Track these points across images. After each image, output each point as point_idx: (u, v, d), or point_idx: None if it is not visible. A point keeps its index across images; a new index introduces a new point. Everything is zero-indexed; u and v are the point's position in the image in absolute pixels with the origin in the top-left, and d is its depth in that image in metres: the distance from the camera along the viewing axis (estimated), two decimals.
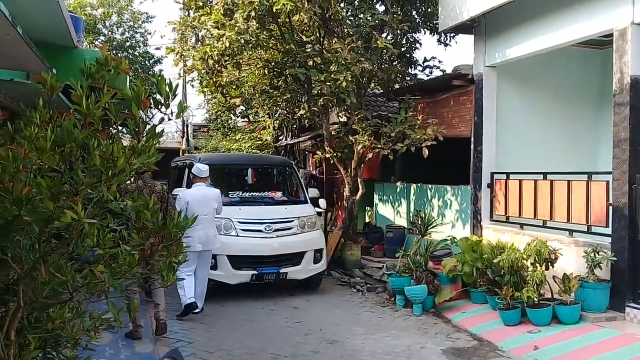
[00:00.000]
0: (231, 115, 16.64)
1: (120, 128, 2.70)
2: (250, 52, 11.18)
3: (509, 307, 6.43)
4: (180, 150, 23.18)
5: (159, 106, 2.29)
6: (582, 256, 6.55)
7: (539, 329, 6.13)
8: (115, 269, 2.35)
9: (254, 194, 9.07)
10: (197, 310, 7.09)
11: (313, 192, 9.93)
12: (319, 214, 9.65)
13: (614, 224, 6.52)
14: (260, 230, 8.08)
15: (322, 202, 9.70)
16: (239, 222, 8.07)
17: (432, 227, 8.57)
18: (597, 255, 6.33)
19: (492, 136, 9.00)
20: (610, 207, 6.61)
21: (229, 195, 8.67)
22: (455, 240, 8.01)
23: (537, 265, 6.49)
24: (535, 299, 6.25)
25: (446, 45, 11.50)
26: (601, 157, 8.96)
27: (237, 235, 8.04)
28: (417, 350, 5.92)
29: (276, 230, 8.17)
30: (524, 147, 9.01)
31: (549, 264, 6.48)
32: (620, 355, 5.27)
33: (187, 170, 8.65)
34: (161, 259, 2.50)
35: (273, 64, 11.63)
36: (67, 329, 2.38)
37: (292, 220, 8.39)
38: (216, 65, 11.39)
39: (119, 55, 20.11)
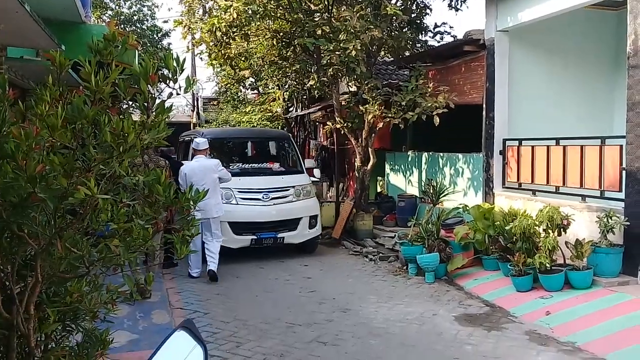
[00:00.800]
0: (241, 87, 16.59)
1: (130, 104, 2.71)
2: (258, 23, 11.08)
3: (521, 274, 6.46)
4: (191, 124, 23.24)
5: (167, 81, 2.30)
6: (594, 221, 6.53)
7: (551, 295, 6.17)
8: (130, 242, 2.39)
9: (253, 165, 9.73)
10: (211, 269, 7.63)
11: (309, 162, 10.82)
12: (315, 182, 10.31)
13: (627, 188, 6.47)
14: (258, 199, 8.72)
15: (317, 172, 10.67)
16: (239, 191, 8.64)
17: (444, 196, 8.57)
18: (610, 220, 6.30)
19: (505, 102, 8.90)
20: (624, 172, 6.55)
21: (230, 167, 9.04)
22: (467, 208, 8.02)
23: (550, 231, 6.49)
24: (548, 265, 6.27)
25: (457, 10, 11.32)
26: (616, 121, 8.85)
27: (237, 204, 8.64)
28: (429, 317, 5.99)
29: (273, 198, 8.82)
30: (537, 113, 8.90)
31: (562, 229, 6.48)
32: (633, 319, 5.28)
33: (184, 144, 9.78)
34: (175, 233, 2.54)
35: (281, 34, 11.52)
36: (85, 302, 2.44)
37: (288, 189, 9.00)
38: (224, 37, 11.32)
39: (127, 29, 20.03)
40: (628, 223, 6.26)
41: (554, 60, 9.19)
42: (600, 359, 4.74)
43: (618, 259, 6.30)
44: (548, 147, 7.83)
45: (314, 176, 10.19)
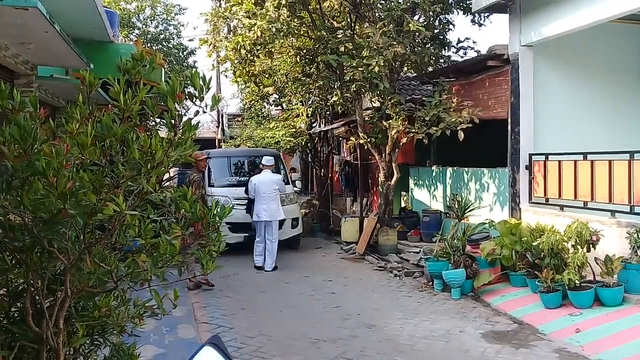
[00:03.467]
0: (264, 103, 16.75)
1: (157, 121, 2.77)
2: (282, 41, 11.22)
3: (550, 290, 6.34)
4: (216, 140, 23.51)
5: (194, 99, 2.34)
6: (624, 237, 6.38)
7: (580, 312, 6.03)
8: (157, 258, 2.42)
9: (248, 177, 10.95)
10: (268, 269, 9.33)
11: (296, 175, 13.79)
12: (296, 191, 12.63)
13: None
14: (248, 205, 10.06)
15: (298, 183, 13.85)
16: (235, 198, 10.11)
17: (470, 211, 8.47)
18: None
19: (530, 117, 8.81)
20: None
21: (228, 179, 11.59)
22: (494, 224, 7.93)
23: (578, 247, 6.37)
24: (577, 282, 6.14)
25: (480, 25, 11.29)
26: None
27: (234, 208, 9.19)
28: (456, 334, 5.91)
29: None
30: (563, 128, 8.78)
31: (591, 245, 6.35)
32: None
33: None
34: (200, 248, 2.56)
35: (305, 51, 11.63)
36: (113, 316, 2.47)
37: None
38: (248, 55, 11.49)
39: (154, 47, 20.44)
40: None
41: (580, 74, 9.08)
42: None
43: None
44: (575, 161, 7.70)
45: (296, 186, 12.46)
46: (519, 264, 7.28)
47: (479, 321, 6.34)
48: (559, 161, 8.04)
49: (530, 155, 8.66)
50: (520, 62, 8.81)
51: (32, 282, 2.35)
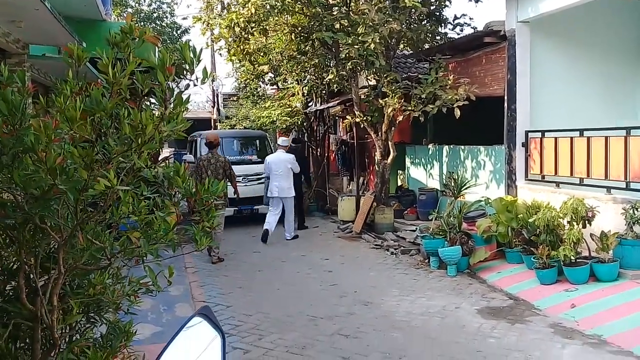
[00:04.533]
0: (260, 82, 16.62)
1: (149, 100, 2.73)
2: (277, 18, 11.06)
3: (546, 266, 6.36)
4: (212, 120, 23.38)
5: (184, 72, 2.30)
6: (620, 213, 6.39)
7: (576, 287, 6.07)
8: (151, 235, 2.40)
9: (237, 157, 12.51)
10: (288, 238, 10.25)
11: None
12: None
13: None
14: (239, 182, 10.51)
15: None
16: None
17: (466, 189, 8.49)
18: (636, 212, 6.16)
19: (526, 94, 8.76)
20: None
21: None
22: (490, 201, 7.92)
23: (574, 223, 6.38)
24: (572, 258, 6.16)
25: (477, 1, 11.14)
26: None
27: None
28: (452, 310, 5.95)
29: (250, 181, 11.76)
30: (559, 104, 8.74)
31: (586, 222, 6.36)
32: None
33: (195, 142, 12.67)
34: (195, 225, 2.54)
35: (300, 29, 11.49)
36: (108, 293, 2.46)
37: (262, 175, 11.23)
38: (243, 33, 11.33)
39: (147, 26, 20.20)
40: None
41: (576, 50, 9.01)
42: (627, 351, 4.63)
43: None
44: (572, 138, 7.69)
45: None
46: (514, 240, 7.30)
47: (475, 297, 6.37)
48: (555, 138, 8.02)
49: (527, 132, 8.63)
50: (516, 39, 8.73)
51: (25, 260, 2.33)
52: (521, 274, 6.89)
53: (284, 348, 5.00)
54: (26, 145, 1.99)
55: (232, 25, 10.84)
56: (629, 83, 9.19)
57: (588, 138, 7.41)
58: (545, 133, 8.29)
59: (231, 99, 23.68)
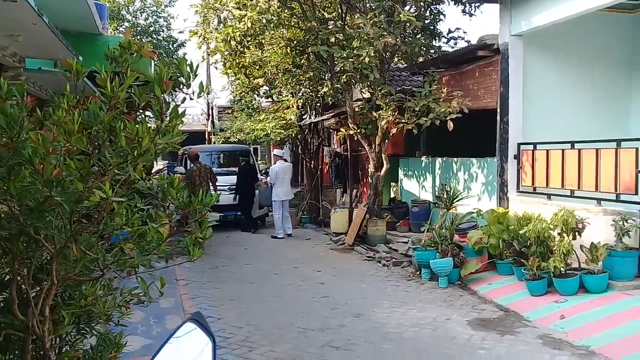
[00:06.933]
0: (255, 95, 16.72)
1: (145, 113, 2.78)
2: (272, 32, 11.20)
3: (536, 278, 6.42)
4: (206, 132, 23.43)
5: (181, 86, 2.36)
6: (610, 225, 6.46)
7: (565, 299, 6.13)
8: (144, 246, 2.44)
9: (222, 169, 13.96)
10: (289, 233, 12.10)
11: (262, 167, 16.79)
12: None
13: None
14: (225, 190, 12.39)
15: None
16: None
17: (458, 201, 8.55)
18: (625, 224, 6.25)
19: (519, 107, 8.87)
20: None
21: None
22: (481, 213, 8.00)
23: (564, 235, 6.46)
24: (562, 269, 6.23)
25: (471, 15, 11.26)
26: (632, 124, 8.78)
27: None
28: (442, 321, 5.98)
29: (232, 190, 12.95)
30: (551, 117, 8.85)
31: (576, 233, 6.44)
32: None
33: (185, 155, 13.82)
34: (187, 235, 2.58)
35: (295, 42, 11.62)
36: (100, 305, 2.48)
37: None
38: (239, 46, 11.48)
39: (143, 40, 20.32)
40: None
41: (569, 63, 9.14)
42: None
43: (634, 262, 6.24)
44: (563, 150, 7.79)
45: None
46: (505, 252, 7.37)
47: (466, 309, 6.42)
48: (547, 150, 8.12)
49: (519, 144, 8.74)
50: (510, 52, 8.86)
51: (18, 270, 2.36)
52: (512, 285, 6.95)
53: None
54: (24, 158, 2.04)
55: (228, 39, 10.96)
56: (620, 94, 9.31)
57: (579, 150, 7.51)
58: (537, 145, 8.39)
59: (226, 111, 23.76)
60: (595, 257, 6.16)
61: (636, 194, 6.56)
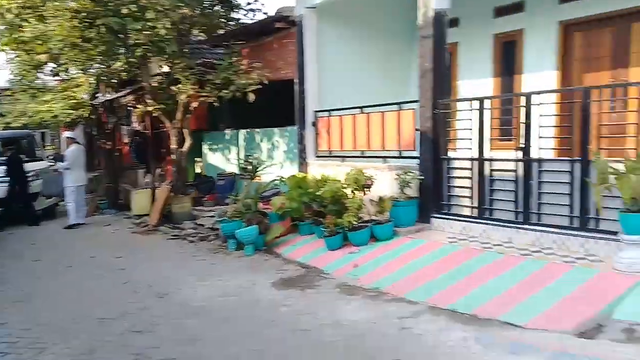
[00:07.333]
0: (39, 74, 14.97)
1: None
2: (56, 3, 10.08)
3: (333, 234, 6.73)
4: None
5: None
6: (394, 179, 7.02)
7: (359, 249, 6.51)
8: None
9: (2, 157, 12.23)
10: (82, 222, 11.03)
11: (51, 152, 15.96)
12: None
13: (420, 147, 7.04)
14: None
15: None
16: None
17: (262, 170, 8.61)
18: (406, 177, 6.82)
19: (315, 76, 9.17)
20: (418, 132, 7.10)
21: None
22: (284, 179, 8.14)
23: (356, 192, 6.83)
24: (355, 223, 6.59)
25: None
26: (412, 88, 9.56)
27: None
28: (248, 287, 5.94)
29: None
30: (344, 85, 9.30)
31: (365, 189, 6.86)
32: (428, 259, 5.80)
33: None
34: None
35: (83, 14, 10.57)
36: None
37: (30, 172, 11.74)
38: (16, 19, 10.17)
39: None
40: (422, 177, 6.84)
41: (359, 34, 9.65)
42: (400, 298, 5.08)
43: (414, 209, 6.87)
44: (354, 115, 8.22)
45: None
46: (306, 214, 7.59)
47: (270, 272, 6.46)
48: (340, 116, 8.51)
49: (315, 112, 9.05)
50: (304, 23, 9.09)
51: None
52: (312, 243, 7.20)
53: (68, 357, 4.47)
54: None
55: (3, 12, 9.67)
56: (404, 62, 10.07)
57: (368, 114, 8.00)
58: (332, 112, 8.75)
59: (4, 93, 20.97)
60: (383, 209, 6.63)
61: (415, 149, 7.18)
